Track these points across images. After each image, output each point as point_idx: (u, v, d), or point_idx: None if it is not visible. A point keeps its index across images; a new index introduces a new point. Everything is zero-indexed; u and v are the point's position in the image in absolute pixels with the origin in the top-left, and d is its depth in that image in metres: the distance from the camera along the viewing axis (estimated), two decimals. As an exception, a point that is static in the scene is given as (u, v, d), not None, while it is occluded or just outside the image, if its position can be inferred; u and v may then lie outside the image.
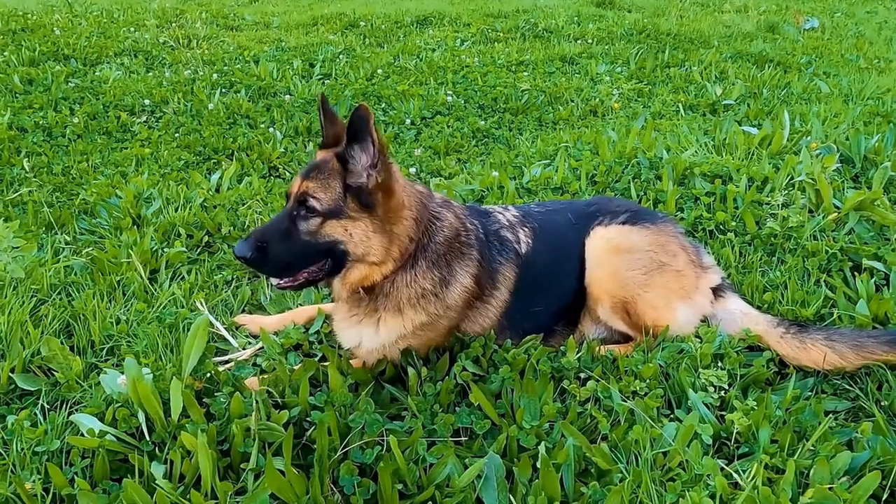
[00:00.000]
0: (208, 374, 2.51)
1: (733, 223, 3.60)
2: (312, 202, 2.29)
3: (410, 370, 2.53)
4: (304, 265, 2.38)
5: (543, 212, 3.04)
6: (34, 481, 2.07)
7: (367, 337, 2.56)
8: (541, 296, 2.83)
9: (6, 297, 2.97)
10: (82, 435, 2.20)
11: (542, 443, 2.16)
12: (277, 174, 5.22)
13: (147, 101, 6.44)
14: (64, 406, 2.47)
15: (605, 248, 2.85)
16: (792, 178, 3.94)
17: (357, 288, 2.45)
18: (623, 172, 4.21)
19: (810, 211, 3.70)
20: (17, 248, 3.26)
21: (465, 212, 2.74)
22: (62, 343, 2.71)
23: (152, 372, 2.41)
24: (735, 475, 2.09)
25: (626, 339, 2.91)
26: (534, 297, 2.81)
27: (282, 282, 2.43)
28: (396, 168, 2.40)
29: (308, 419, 2.32)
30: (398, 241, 2.36)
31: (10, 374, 2.57)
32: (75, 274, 3.32)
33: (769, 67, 7.75)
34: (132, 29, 9.26)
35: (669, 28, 9.72)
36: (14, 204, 4.34)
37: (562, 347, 2.72)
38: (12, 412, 2.41)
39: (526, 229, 2.85)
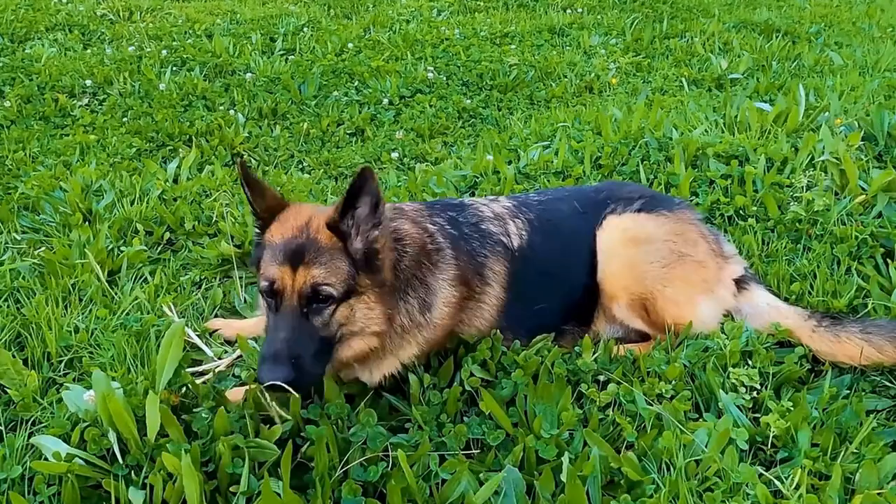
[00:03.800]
0: (185, 387, 2.48)
1: (754, 208, 3.64)
2: (328, 290, 2.22)
3: (412, 378, 2.52)
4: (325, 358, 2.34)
5: (544, 200, 3.04)
6: (-5, 513, 2.03)
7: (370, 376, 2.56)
8: (544, 292, 2.83)
9: (-54, 305, 2.90)
10: (46, 459, 2.16)
11: (566, 453, 2.17)
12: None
13: (88, 82, 6.32)
14: (22, 427, 2.41)
15: (619, 239, 2.86)
16: (813, 158, 4.00)
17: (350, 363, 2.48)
18: (630, 154, 4.24)
19: (835, 193, 3.76)
20: (-46, 249, 3.18)
21: (424, 211, 2.73)
22: (14, 356, 2.66)
23: (122, 386, 2.37)
24: (776, 482, 2.12)
25: (642, 337, 2.93)
26: (535, 293, 2.81)
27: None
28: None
29: (301, 435, 2.30)
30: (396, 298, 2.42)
31: (-43, 392, 2.51)
32: (23, 278, 3.24)
33: (777, 38, 7.85)
34: (64, 0, 9.06)
35: (665, -5, 9.79)
36: (-57, 200, 4.23)
37: (576, 348, 2.73)
38: (-37, 436, 2.36)
39: (518, 221, 2.86)
